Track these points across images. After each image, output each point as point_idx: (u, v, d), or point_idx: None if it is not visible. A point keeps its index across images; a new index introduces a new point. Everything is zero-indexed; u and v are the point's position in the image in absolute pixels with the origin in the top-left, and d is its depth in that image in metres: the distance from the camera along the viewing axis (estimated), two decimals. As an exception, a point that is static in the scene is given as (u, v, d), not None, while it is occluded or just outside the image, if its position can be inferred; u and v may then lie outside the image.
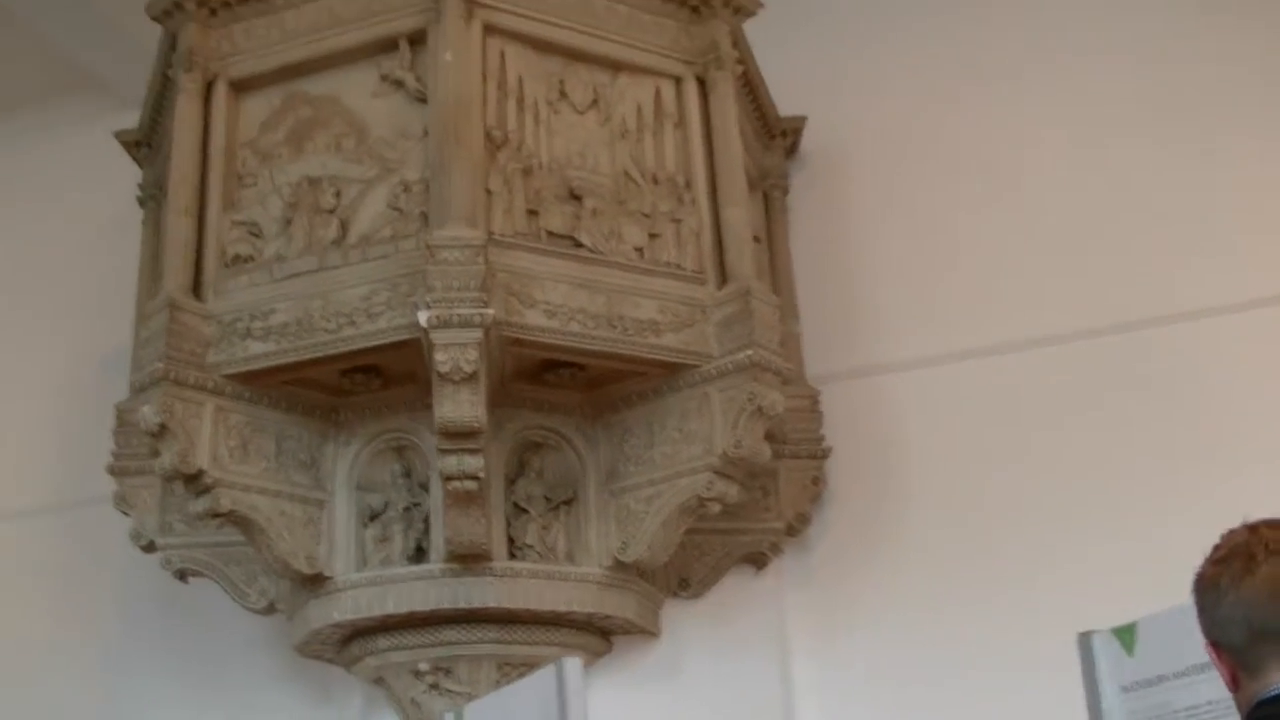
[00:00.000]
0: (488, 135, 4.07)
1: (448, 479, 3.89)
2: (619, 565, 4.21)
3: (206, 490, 4.01)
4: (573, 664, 2.94)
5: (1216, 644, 2.12)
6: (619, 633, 4.52)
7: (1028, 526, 4.47)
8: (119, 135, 5.11)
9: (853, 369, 4.91)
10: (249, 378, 4.07)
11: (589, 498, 4.29)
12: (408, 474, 4.29)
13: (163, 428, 3.91)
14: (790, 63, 5.05)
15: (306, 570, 4.17)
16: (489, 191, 4.01)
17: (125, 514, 4.65)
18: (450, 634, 4.18)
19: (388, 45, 4.24)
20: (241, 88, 4.39)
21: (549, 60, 4.30)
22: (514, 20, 4.25)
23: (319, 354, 3.98)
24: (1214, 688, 2.52)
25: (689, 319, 4.11)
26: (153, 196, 4.90)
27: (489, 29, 4.19)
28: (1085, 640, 3.23)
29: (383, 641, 4.25)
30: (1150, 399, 4.53)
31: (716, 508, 4.11)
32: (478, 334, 3.74)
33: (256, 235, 4.20)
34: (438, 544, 4.10)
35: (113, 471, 4.69)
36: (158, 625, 5.22)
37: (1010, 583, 4.39)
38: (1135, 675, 3.11)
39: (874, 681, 4.52)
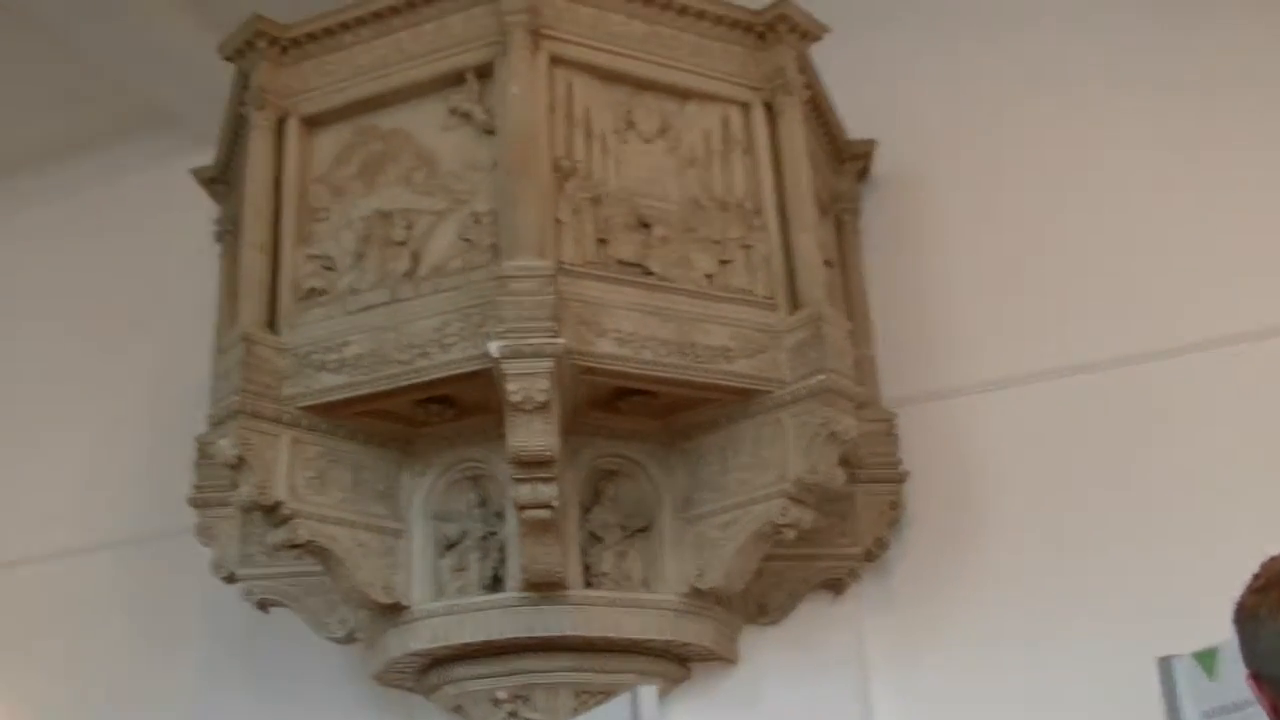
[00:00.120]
0: (556, 165, 4.08)
1: (522, 508, 3.90)
2: (696, 592, 4.19)
3: (284, 521, 4.05)
4: (647, 691, 2.95)
5: (1257, 675, 2.04)
6: (697, 660, 4.49)
7: (1108, 549, 4.38)
8: (196, 172, 5.18)
9: (929, 392, 4.84)
10: (324, 410, 4.10)
11: (664, 525, 4.28)
12: (483, 503, 4.30)
13: (240, 460, 3.96)
14: (859, 86, 5.00)
15: (384, 600, 4.19)
16: (558, 221, 4.02)
17: (207, 545, 4.70)
18: (527, 662, 4.18)
19: (456, 79, 4.27)
20: (313, 123, 4.44)
21: (616, 90, 4.30)
22: (580, 51, 4.26)
23: (392, 385, 4.00)
24: (1295, 714, 2.47)
25: (761, 345, 4.09)
26: (229, 231, 4.95)
27: (555, 60, 4.21)
28: (1166, 665, 3.19)
29: (460, 670, 4.26)
30: (1235, 418, 4.42)
31: (792, 534, 4.08)
32: (549, 364, 3.74)
33: (330, 269, 4.24)
34: (514, 573, 4.10)
35: (194, 503, 4.74)
36: (240, 655, 5.27)
37: (1090, 606, 4.30)
38: (1217, 700, 3.07)
39: (953, 706, 4.44)
